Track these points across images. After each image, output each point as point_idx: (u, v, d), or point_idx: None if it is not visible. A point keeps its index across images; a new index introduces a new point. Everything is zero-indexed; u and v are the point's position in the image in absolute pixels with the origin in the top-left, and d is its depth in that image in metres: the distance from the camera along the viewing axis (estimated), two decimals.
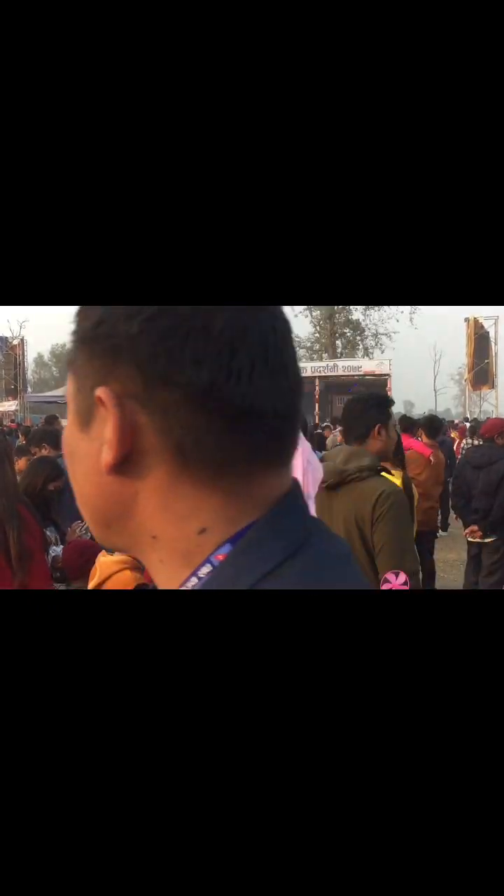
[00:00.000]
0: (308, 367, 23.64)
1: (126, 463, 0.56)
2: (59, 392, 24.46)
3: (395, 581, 2.32)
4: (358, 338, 33.47)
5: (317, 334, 33.51)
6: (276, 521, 0.58)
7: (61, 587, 3.24)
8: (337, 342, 32.87)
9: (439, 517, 6.55)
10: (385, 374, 22.30)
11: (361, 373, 22.87)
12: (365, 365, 23.56)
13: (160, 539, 0.61)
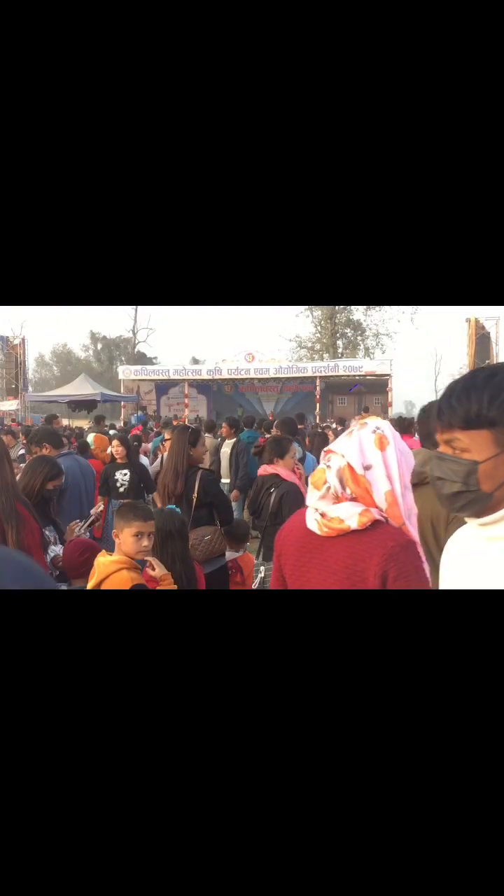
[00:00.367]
0: (309, 368, 23.67)
1: None
2: (59, 392, 24.52)
3: None
4: (359, 338, 33.48)
5: (318, 334, 33.53)
6: None
7: (62, 587, 3.24)
8: (338, 342, 32.88)
9: None
10: (386, 375, 22.32)
11: (362, 373, 22.88)
12: (366, 365, 23.57)
13: None
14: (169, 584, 2.70)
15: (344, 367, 23.64)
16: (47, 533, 3.26)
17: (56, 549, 3.33)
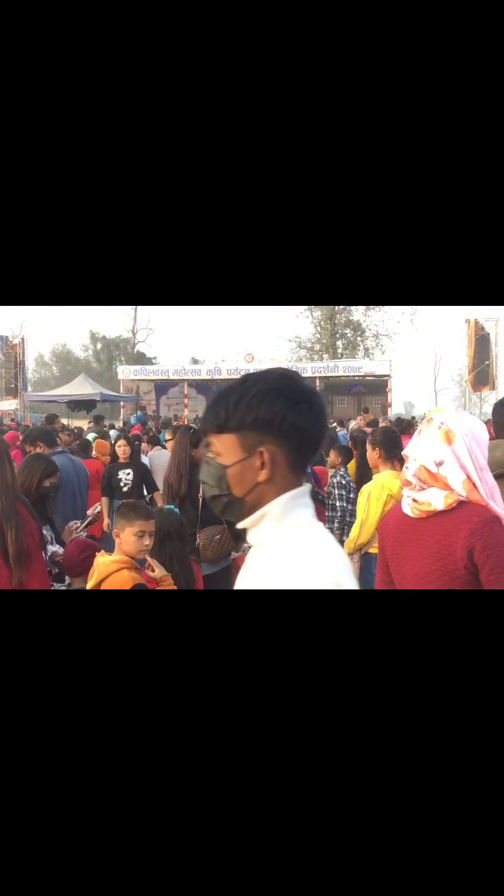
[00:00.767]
0: (308, 368, 23.66)
1: None
2: (58, 392, 24.49)
3: None
4: (358, 338, 33.47)
5: (317, 335, 33.52)
6: None
7: (60, 587, 3.23)
8: (337, 343, 32.87)
9: None
10: (385, 375, 22.32)
11: (362, 373, 22.88)
12: (365, 366, 23.58)
13: None
14: (169, 585, 2.70)
15: (343, 367, 23.64)
16: (45, 532, 3.26)
17: (53, 549, 3.33)
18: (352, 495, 5.45)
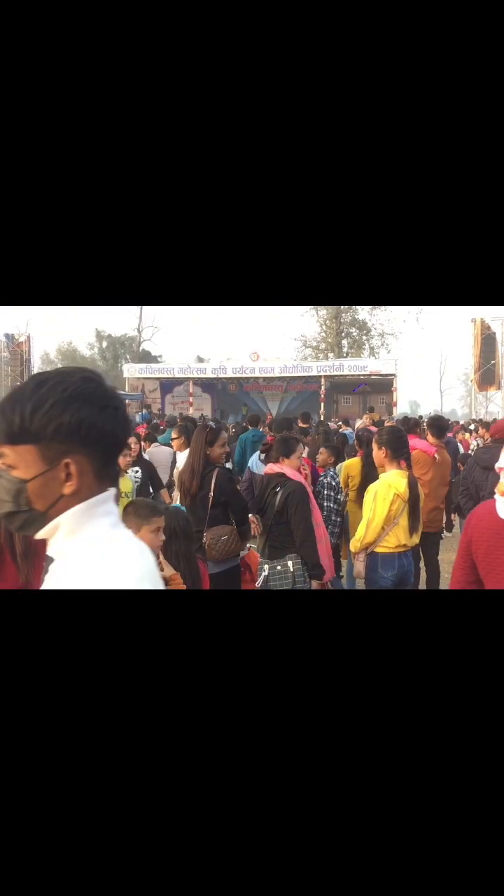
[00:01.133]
0: (314, 367, 23.65)
1: None
2: None
3: None
4: (364, 338, 33.41)
5: (323, 334, 33.47)
6: None
7: None
8: (343, 342, 32.82)
9: (444, 518, 6.54)
10: (391, 374, 22.29)
11: (367, 372, 22.85)
12: (371, 365, 23.54)
13: None
14: (178, 584, 2.70)
15: (349, 366, 23.61)
16: None
17: None
18: (339, 496, 5.44)
